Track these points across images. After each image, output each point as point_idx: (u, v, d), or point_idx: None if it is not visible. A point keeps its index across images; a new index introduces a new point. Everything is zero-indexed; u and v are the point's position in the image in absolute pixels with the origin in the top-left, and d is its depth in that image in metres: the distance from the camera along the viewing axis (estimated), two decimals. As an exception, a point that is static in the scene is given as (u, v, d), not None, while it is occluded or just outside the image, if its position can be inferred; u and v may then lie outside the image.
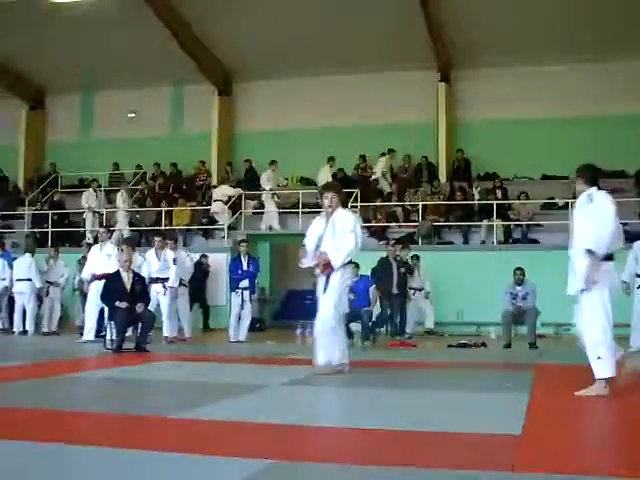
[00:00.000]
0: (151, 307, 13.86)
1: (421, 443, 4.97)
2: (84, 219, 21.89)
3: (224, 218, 20.57)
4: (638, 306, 12.83)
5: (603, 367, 6.89)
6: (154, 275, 14.33)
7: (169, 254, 14.69)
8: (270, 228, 20.87)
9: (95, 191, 22.18)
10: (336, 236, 8.68)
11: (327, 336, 8.68)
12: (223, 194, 20.97)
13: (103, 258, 14.34)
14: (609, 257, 7.10)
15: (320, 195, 9.16)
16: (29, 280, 16.47)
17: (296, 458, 4.44)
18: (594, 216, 7.08)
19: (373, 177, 21.46)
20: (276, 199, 21.32)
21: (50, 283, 17.11)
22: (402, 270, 16.07)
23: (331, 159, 21.29)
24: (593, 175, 7.34)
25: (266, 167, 21.53)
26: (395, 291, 15.75)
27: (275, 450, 4.69)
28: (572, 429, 5.66)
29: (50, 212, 22.02)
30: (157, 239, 14.94)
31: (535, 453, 4.71)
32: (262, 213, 21.26)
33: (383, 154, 21.52)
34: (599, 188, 7.28)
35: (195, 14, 21.53)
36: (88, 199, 21.79)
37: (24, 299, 16.54)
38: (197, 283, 17.36)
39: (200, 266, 18.06)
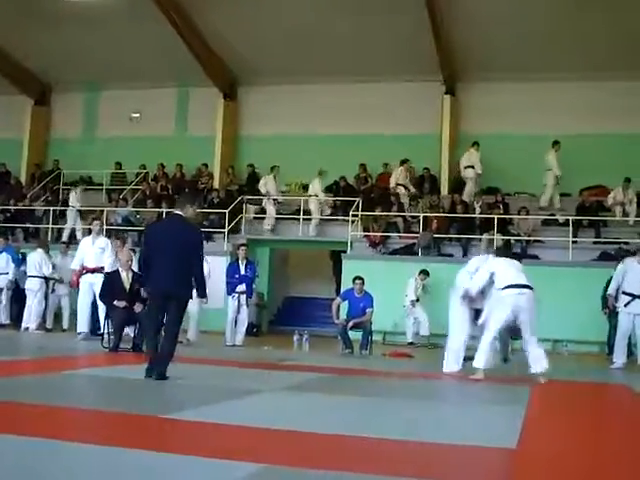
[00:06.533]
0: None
1: (415, 454, 4.96)
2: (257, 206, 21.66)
3: (316, 214, 20.84)
4: (623, 324, 12.84)
5: None
6: None
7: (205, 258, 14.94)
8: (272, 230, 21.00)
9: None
10: None
11: None
12: (315, 191, 21.06)
13: (95, 251, 14.33)
14: None
15: None
16: (40, 277, 16.14)
17: (289, 463, 4.43)
18: None
19: (391, 185, 21.37)
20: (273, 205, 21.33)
21: (56, 280, 16.63)
22: None
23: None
24: None
25: (269, 172, 21.60)
26: None
27: (268, 454, 4.68)
28: (568, 444, 5.64)
29: (77, 208, 21.99)
30: None
31: (529, 467, 4.70)
32: (263, 218, 21.28)
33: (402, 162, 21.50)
34: None
35: (203, 17, 21.55)
36: (267, 184, 21.22)
37: (32, 295, 16.08)
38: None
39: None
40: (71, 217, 21.39)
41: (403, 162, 21.44)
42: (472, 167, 20.93)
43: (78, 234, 20.48)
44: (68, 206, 21.87)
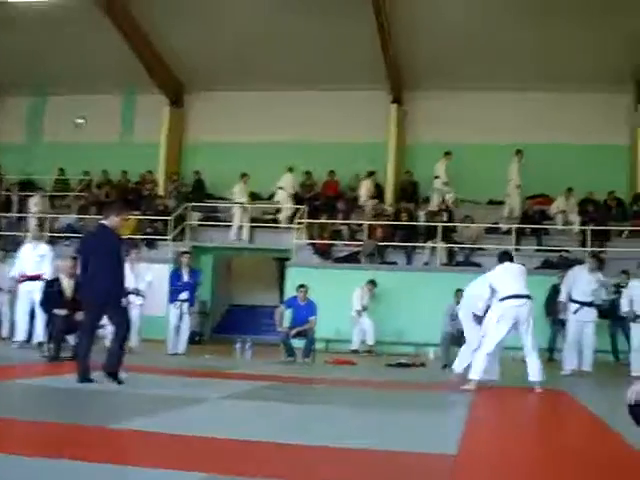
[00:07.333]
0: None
1: (353, 461, 4.96)
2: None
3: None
4: (572, 331, 12.99)
5: None
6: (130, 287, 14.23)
7: (142, 266, 14.64)
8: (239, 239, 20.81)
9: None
10: None
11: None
12: (284, 185, 21.19)
13: (35, 259, 14.12)
14: None
15: None
16: None
17: (231, 473, 4.42)
18: None
19: (362, 199, 21.37)
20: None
21: None
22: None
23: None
24: None
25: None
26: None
27: (210, 464, 4.66)
28: (508, 449, 5.70)
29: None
30: (134, 251, 14.49)
31: (469, 472, 4.74)
32: (207, 225, 21.20)
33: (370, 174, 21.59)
34: None
35: (150, 24, 21.42)
36: (239, 191, 21.15)
37: None
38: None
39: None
40: (32, 224, 21.05)
41: (371, 174, 21.51)
42: (438, 177, 21.01)
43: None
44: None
